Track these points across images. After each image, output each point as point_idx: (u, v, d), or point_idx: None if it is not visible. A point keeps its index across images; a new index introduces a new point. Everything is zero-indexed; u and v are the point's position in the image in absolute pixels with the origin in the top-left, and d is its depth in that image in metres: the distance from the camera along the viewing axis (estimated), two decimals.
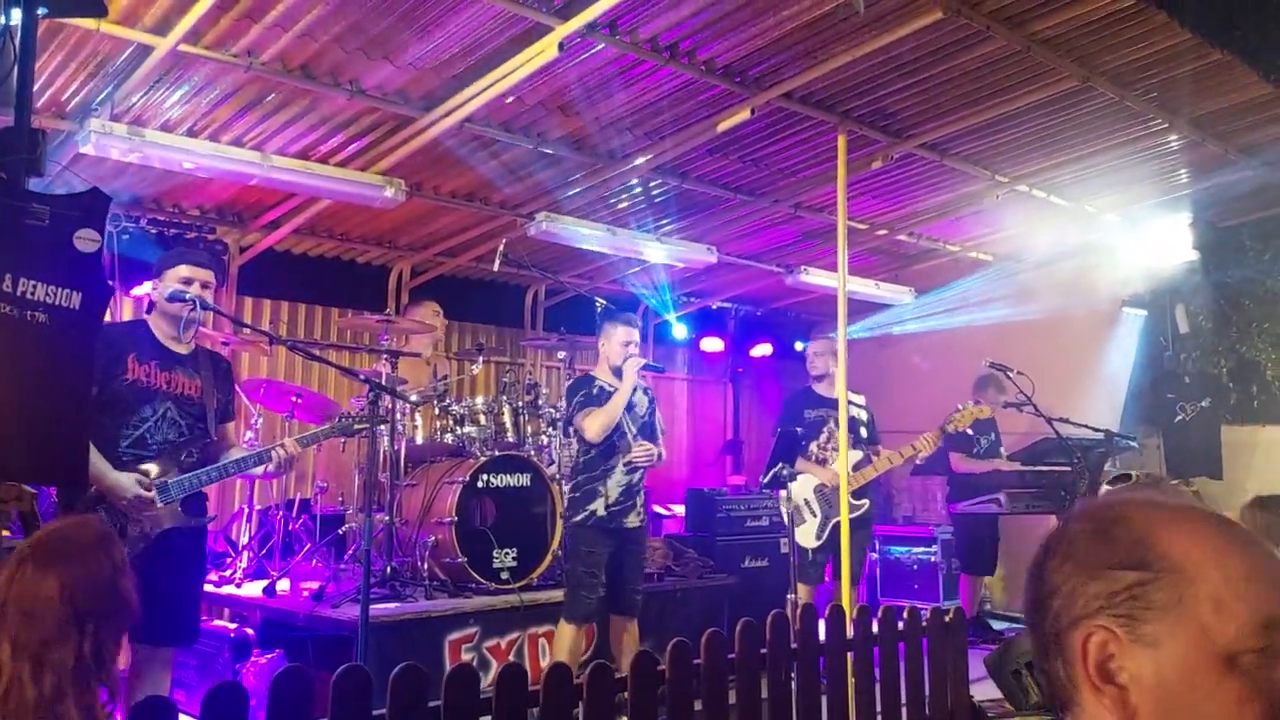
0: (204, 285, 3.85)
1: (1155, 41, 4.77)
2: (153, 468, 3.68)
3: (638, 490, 5.05)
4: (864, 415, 6.15)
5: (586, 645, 5.15)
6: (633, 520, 5.01)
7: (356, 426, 4.33)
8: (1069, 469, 6.61)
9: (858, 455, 5.94)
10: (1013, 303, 8.32)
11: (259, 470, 4.13)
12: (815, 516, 5.88)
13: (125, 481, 3.58)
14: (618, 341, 5.07)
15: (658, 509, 8.06)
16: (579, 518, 4.92)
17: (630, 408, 5.06)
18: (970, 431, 6.91)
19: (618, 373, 5.05)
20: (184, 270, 3.84)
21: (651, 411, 5.24)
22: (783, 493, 5.76)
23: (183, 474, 3.74)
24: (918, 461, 6.43)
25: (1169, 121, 5.71)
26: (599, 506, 4.90)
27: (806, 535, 5.85)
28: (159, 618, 3.64)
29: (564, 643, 4.87)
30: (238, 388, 6.13)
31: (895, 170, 6.35)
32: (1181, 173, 6.74)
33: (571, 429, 5.19)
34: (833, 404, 6.12)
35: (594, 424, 4.92)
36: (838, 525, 5.70)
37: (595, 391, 5.03)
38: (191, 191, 6.09)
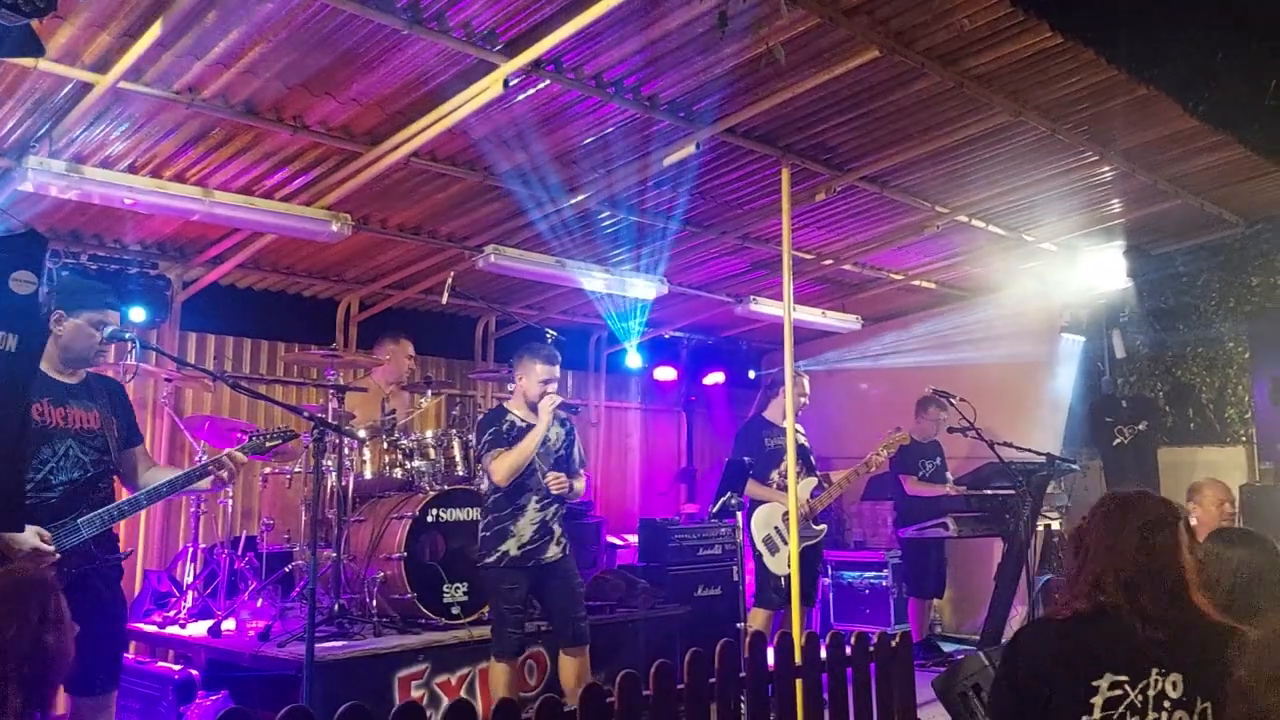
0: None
1: (1084, 77, 4.93)
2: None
3: (554, 523, 4.90)
4: (806, 443, 6.33)
5: (538, 679, 5.12)
6: (553, 553, 4.86)
7: (268, 444, 4.20)
8: (1013, 492, 6.73)
9: (813, 482, 6.13)
10: (956, 331, 8.48)
11: (204, 484, 3.82)
12: (785, 544, 5.93)
13: (21, 535, 3.27)
14: (537, 378, 4.89)
15: (611, 539, 8.05)
16: (491, 558, 4.79)
17: (542, 442, 4.87)
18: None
19: (534, 407, 4.90)
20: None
21: (569, 444, 5.08)
22: (754, 520, 5.89)
23: (93, 511, 3.51)
24: (871, 472, 6.57)
25: (1100, 153, 5.89)
26: (511, 547, 4.77)
27: (779, 563, 5.93)
28: (91, 665, 3.52)
29: (499, 681, 4.74)
30: (180, 424, 6.07)
31: (838, 202, 6.46)
32: (1114, 202, 6.94)
33: (480, 467, 5.02)
34: (784, 432, 6.28)
35: (501, 466, 4.74)
36: (807, 549, 5.83)
37: (506, 428, 4.85)
38: (134, 226, 6.02)
